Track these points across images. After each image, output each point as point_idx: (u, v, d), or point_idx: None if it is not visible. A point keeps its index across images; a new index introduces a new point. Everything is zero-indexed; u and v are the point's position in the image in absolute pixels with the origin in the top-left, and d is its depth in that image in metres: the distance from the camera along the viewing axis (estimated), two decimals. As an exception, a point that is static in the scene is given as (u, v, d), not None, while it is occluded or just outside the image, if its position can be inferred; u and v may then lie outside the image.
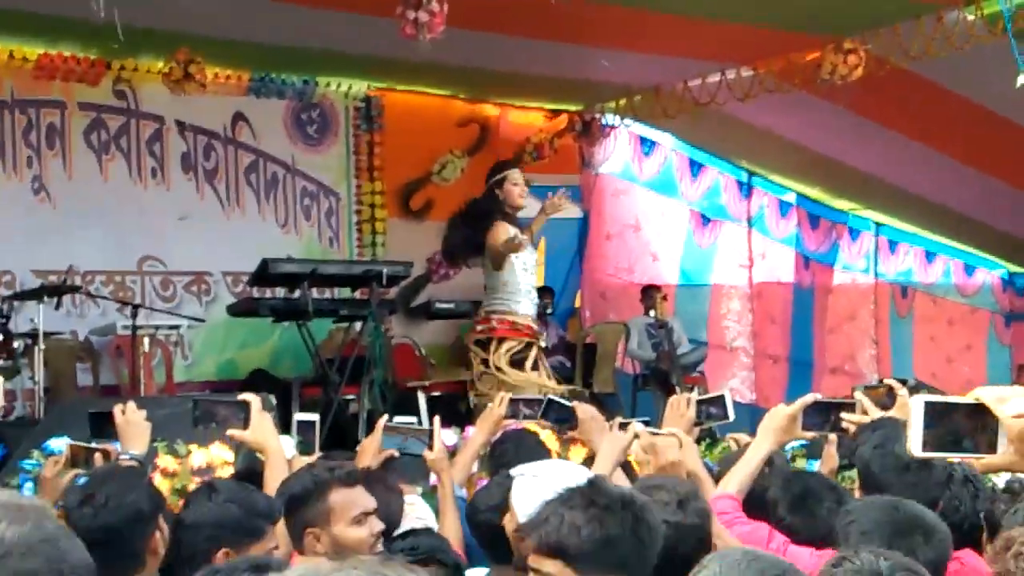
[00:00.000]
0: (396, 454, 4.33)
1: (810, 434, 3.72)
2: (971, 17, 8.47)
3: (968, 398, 1.62)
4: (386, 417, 4.52)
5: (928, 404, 1.62)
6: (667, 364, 10.70)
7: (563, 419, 4.74)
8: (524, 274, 8.56)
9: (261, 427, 3.80)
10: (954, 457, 1.62)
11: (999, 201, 12.11)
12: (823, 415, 3.66)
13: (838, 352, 14.15)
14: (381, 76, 11.03)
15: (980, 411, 1.58)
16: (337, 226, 11.24)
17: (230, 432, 3.85)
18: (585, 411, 4.51)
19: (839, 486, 3.64)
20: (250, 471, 4.00)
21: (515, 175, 8.12)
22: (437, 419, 4.43)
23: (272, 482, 3.55)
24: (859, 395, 3.83)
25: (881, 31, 9.14)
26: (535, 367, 8.45)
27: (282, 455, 3.79)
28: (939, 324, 14.67)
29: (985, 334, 15.00)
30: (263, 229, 10.78)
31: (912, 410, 1.62)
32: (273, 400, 6.60)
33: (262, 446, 3.76)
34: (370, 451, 4.17)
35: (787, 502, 3.43)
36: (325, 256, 10.79)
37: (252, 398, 3.87)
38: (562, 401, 4.93)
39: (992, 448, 1.59)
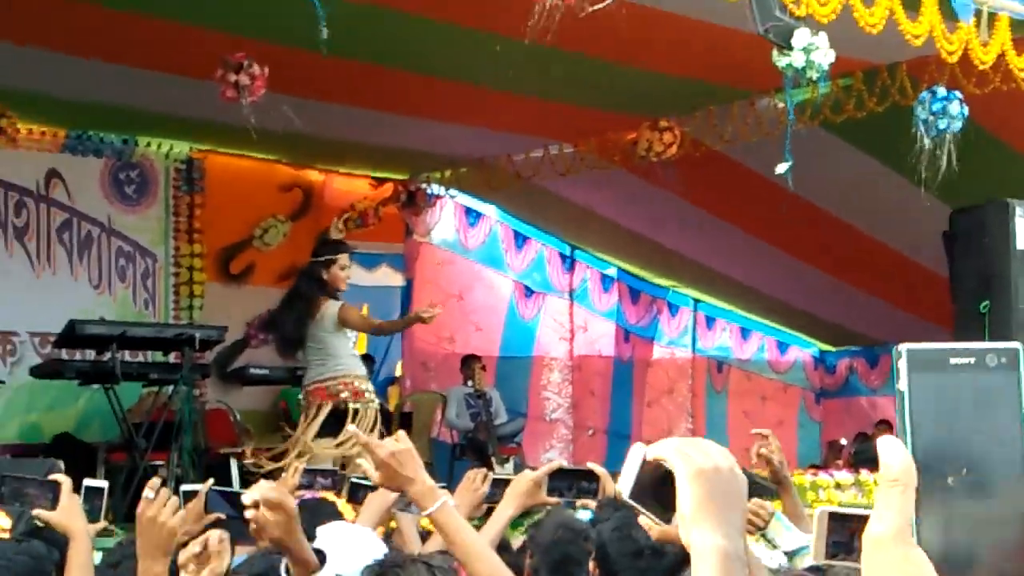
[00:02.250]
0: (223, 516, 4.22)
1: (553, 499, 3.79)
2: (781, 104, 8.77)
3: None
4: (211, 481, 4.40)
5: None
6: (484, 434, 10.73)
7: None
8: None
9: (69, 509, 3.68)
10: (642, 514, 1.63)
11: (808, 284, 12.53)
12: (567, 481, 3.76)
13: (655, 425, 14.35)
14: (203, 138, 10.91)
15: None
16: (153, 288, 11.02)
17: (36, 512, 3.72)
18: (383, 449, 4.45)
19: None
20: (34, 536, 3.86)
21: (344, 259, 8.01)
22: (209, 482, 4.34)
23: (75, 566, 3.45)
24: (597, 467, 3.95)
25: (697, 114, 9.43)
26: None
27: (87, 539, 3.67)
28: (753, 399, 15.02)
29: (796, 410, 15.42)
30: (75, 289, 10.51)
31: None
32: (61, 465, 6.41)
33: (68, 529, 3.64)
34: (192, 515, 4.02)
35: (547, 568, 3.48)
36: (140, 318, 10.55)
37: (63, 479, 3.75)
38: (363, 482, 4.87)
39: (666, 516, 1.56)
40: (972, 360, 1.43)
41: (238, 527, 4.12)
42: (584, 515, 4.32)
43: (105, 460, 8.98)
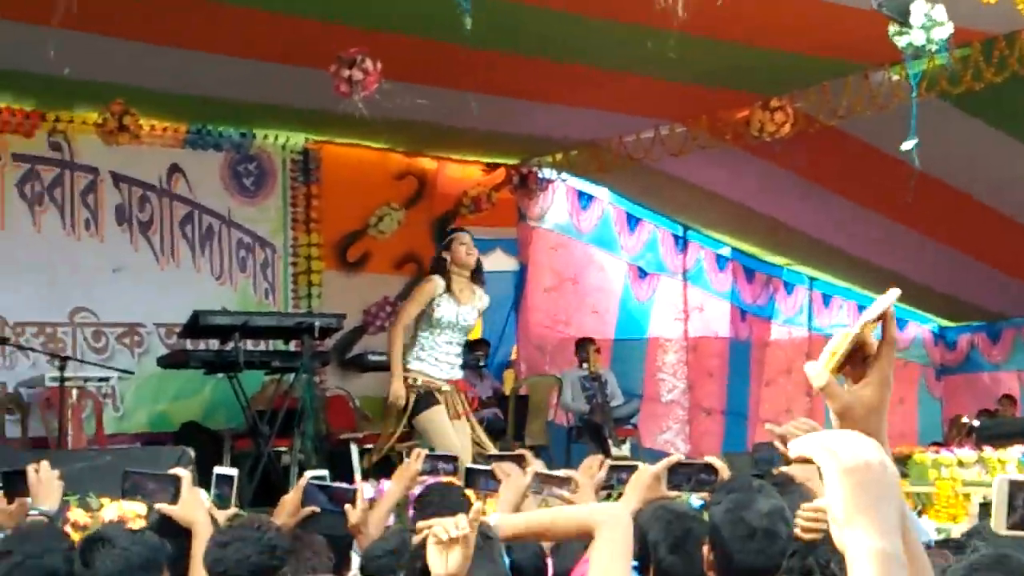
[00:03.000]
0: (317, 510, 4.30)
1: (674, 493, 3.83)
2: (896, 77, 8.65)
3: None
4: (308, 474, 4.49)
5: (1012, 482, 1.60)
6: (600, 417, 10.74)
7: (488, 485, 4.76)
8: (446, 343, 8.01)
9: (190, 503, 3.77)
10: None
11: (927, 258, 12.30)
12: (688, 474, 3.78)
13: (774, 405, 14.22)
14: (319, 129, 11.08)
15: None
16: (273, 278, 11.22)
17: (158, 506, 3.83)
18: (502, 468, 4.54)
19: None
20: (162, 526, 3.96)
21: (463, 236, 8.15)
22: (359, 481, 4.45)
23: (199, 556, 3.54)
24: (715, 461, 3.97)
25: (809, 90, 9.32)
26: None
27: (209, 531, 3.76)
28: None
29: (916, 387, 15.17)
30: (198, 281, 10.75)
31: (995, 488, 1.59)
32: (192, 453, 6.58)
33: (190, 521, 3.73)
34: (288, 508, 4.12)
35: (667, 544, 3.50)
36: (260, 308, 10.77)
37: (183, 473, 3.84)
38: (479, 467, 4.95)
39: None
40: None
41: (334, 520, 4.22)
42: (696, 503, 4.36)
43: (231, 447, 9.18)
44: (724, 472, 3.94)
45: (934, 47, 6.91)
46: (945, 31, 6.71)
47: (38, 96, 9.67)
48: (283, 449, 9.02)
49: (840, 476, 1.42)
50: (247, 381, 8.97)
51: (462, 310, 7.82)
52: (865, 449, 1.44)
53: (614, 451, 10.65)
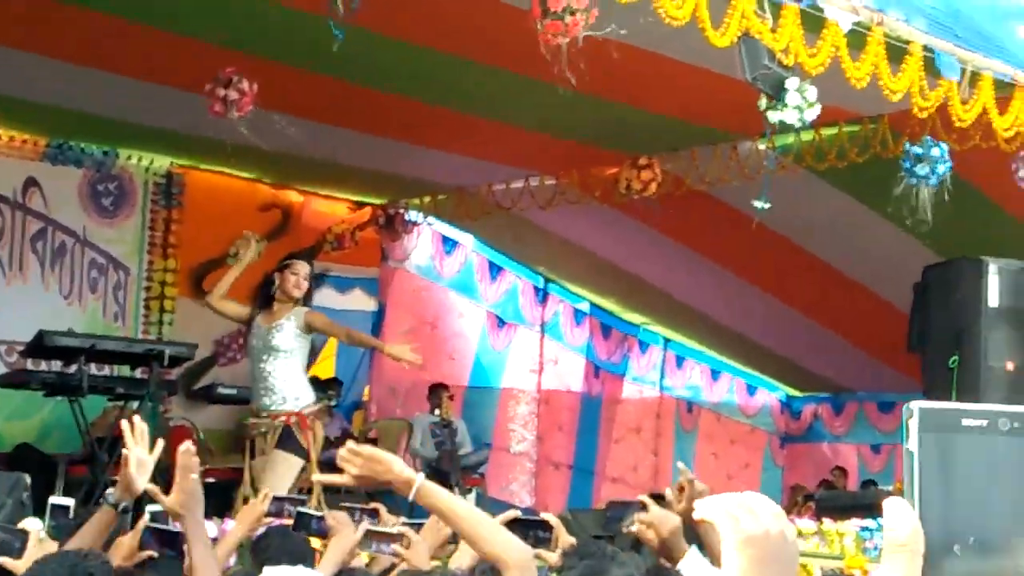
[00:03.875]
0: (154, 555, 4.15)
1: None
2: (763, 147, 8.83)
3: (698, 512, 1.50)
4: (147, 518, 4.34)
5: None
6: (448, 464, 10.66)
7: (319, 529, 4.66)
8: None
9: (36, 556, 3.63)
10: None
11: (783, 326, 12.57)
12: (524, 530, 3.79)
13: (621, 462, 14.36)
14: (185, 153, 10.89)
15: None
16: (124, 301, 10.95)
17: (1, 560, 3.68)
18: (335, 518, 4.46)
19: None
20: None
21: (299, 266, 7.90)
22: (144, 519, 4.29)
23: None
24: (551, 518, 3.97)
25: (679, 153, 9.47)
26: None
27: None
28: (722, 442, 15.06)
29: (762, 454, 15.46)
30: (45, 299, 10.43)
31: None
32: (28, 480, 6.33)
33: None
34: (124, 551, 3.96)
35: None
36: (109, 331, 10.47)
37: (31, 528, 3.70)
38: (311, 512, 4.84)
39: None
40: (985, 423, 1.42)
41: (171, 566, 4.08)
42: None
43: (65, 473, 8.88)
44: (560, 530, 3.93)
45: (802, 125, 7.08)
46: (815, 112, 6.88)
47: None
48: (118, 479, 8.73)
49: (739, 546, 1.39)
50: (88, 406, 8.70)
51: (263, 332, 7.64)
52: (767, 519, 1.40)
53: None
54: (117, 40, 7.94)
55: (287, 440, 7.54)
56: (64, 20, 7.63)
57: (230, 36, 7.87)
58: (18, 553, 3.66)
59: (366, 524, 4.43)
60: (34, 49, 8.07)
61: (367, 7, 5.64)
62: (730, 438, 15.20)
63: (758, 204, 7.28)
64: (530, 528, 3.88)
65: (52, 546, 3.73)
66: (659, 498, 4.40)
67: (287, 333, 7.67)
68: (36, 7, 7.48)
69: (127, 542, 3.94)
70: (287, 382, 7.64)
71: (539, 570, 4.06)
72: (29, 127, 10.05)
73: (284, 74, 8.03)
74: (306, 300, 7.91)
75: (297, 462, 7.51)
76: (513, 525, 3.74)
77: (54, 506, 4.15)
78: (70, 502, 4.20)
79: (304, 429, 7.62)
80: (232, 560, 5.00)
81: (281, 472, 7.43)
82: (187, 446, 3.64)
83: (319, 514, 4.66)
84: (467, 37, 7.62)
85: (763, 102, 7.19)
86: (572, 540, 3.76)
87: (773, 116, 7.15)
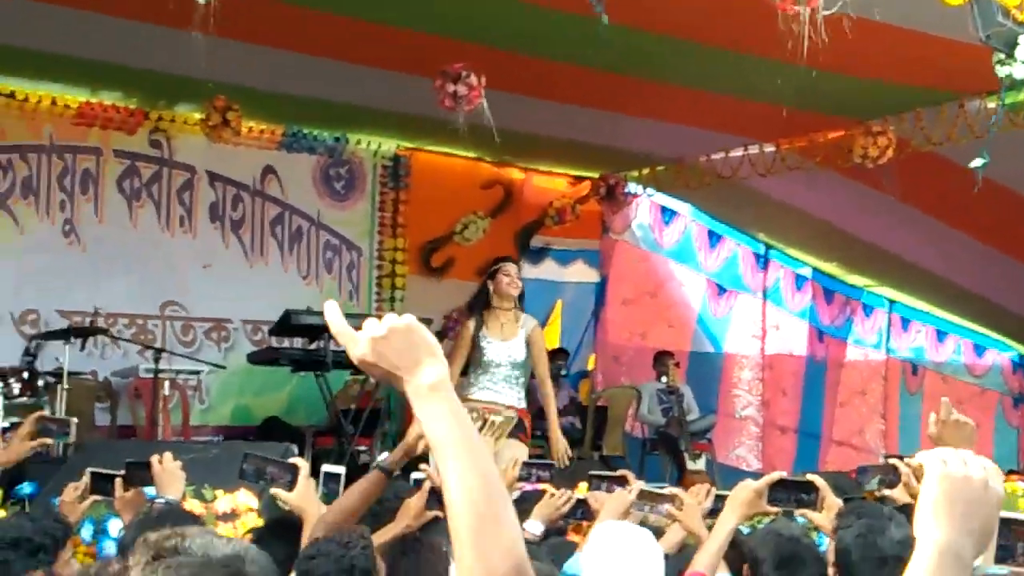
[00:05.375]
0: (440, 515, 4.35)
1: (774, 509, 3.87)
2: (992, 105, 8.61)
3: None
4: (425, 479, 4.51)
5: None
6: (676, 430, 10.79)
7: (584, 515, 4.77)
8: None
9: (306, 493, 3.89)
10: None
11: (1014, 281, 12.19)
12: (788, 492, 3.82)
13: (847, 426, 14.20)
14: (410, 135, 11.26)
15: None
16: (357, 280, 11.41)
17: (275, 491, 3.94)
18: (596, 499, 4.58)
19: (824, 557, 3.75)
20: (277, 520, 4.08)
21: (508, 267, 7.85)
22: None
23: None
24: (817, 479, 3.98)
25: (904, 116, 9.30)
26: None
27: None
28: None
29: (993, 415, 15.03)
30: (285, 280, 10.96)
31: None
32: (296, 449, 6.70)
33: (304, 511, 3.84)
34: (412, 511, 4.14)
35: (774, 562, 3.54)
36: (344, 309, 10.79)
37: (301, 464, 3.95)
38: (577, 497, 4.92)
39: None
40: None
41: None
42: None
43: (312, 444, 9.31)
44: (826, 491, 3.97)
45: (1034, 80, 6.90)
46: (1049, 65, 6.69)
47: (142, 93, 9.90)
48: (363, 448, 9.13)
49: (938, 479, 1.55)
50: (331, 380, 9.10)
51: (505, 346, 7.51)
52: (975, 467, 1.56)
53: (689, 465, 10.69)
54: (345, 32, 8.25)
55: (516, 431, 7.63)
56: (297, 17, 7.98)
57: (446, 23, 8.07)
58: (289, 486, 3.89)
59: (640, 484, 4.50)
60: (269, 43, 8.46)
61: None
62: (957, 399, 14.74)
63: (975, 163, 7.11)
64: (795, 489, 3.94)
65: (314, 487, 3.97)
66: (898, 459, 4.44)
67: (521, 346, 7.67)
68: (269, 6, 7.84)
69: (414, 503, 4.03)
70: (513, 389, 7.66)
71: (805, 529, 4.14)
72: (267, 116, 10.52)
73: (503, 58, 8.21)
74: (520, 298, 7.89)
75: (525, 449, 7.58)
76: (778, 486, 3.82)
77: (327, 474, 4.39)
78: (341, 470, 4.42)
79: (528, 423, 7.73)
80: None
81: (517, 454, 7.53)
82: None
83: (582, 496, 4.77)
84: (682, 16, 7.67)
85: (996, 57, 7.04)
86: (837, 501, 3.81)
87: (1003, 71, 7.00)
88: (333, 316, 1.81)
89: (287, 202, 11.05)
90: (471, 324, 7.52)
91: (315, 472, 4.33)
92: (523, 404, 7.67)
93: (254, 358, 9.58)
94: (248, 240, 10.86)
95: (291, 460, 4.03)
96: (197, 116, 9.87)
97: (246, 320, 10.70)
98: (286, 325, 9.10)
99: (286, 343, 9.73)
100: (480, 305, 7.63)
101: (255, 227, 10.90)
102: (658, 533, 4.34)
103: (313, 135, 11.02)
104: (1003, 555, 1.76)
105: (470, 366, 7.55)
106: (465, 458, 1.69)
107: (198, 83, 8.77)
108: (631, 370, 12.54)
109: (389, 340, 1.76)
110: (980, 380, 14.96)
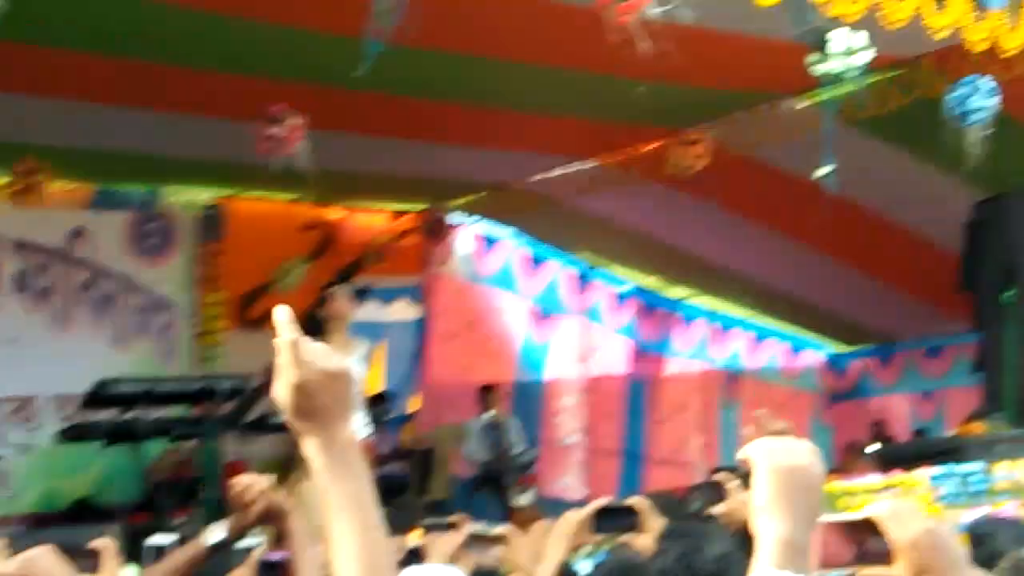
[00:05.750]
0: None
1: (598, 537, 3.85)
2: (805, 104, 8.82)
3: (857, 514, 1.79)
4: (255, 551, 4.23)
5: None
6: (500, 466, 10.66)
7: None
8: None
9: None
10: (848, 571, 1.79)
11: (825, 278, 12.53)
12: (612, 519, 3.82)
13: (669, 443, 14.31)
14: (224, 183, 10.93)
15: (870, 526, 1.75)
16: (174, 341, 10.96)
17: None
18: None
19: None
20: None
21: (338, 292, 7.75)
22: None
23: None
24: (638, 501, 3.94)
25: (718, 121, 9.44)
26: None
27: None
28: (767, 408, 14.95)
29: (808, 416, 15.39)
30: (96, 348, 10.45)
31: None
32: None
33: None
34: None
35: None
36: (160, 373, 10.44)
37: (105, 545, 3.60)
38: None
39: (885, 560, 1.72)
40: None
41: None
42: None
43: (125, 523, 8.78)
44: (646, 513, 3.95)
45: (853, 73, 7.06)
46: (864, 57, 6.87)
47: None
48: (182, 520, 8.69)
49: (768, 472, 1.61)
50: (146, 450, 8.71)
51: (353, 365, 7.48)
52: (797, 454, 1.64)
53: (516, 501, 10.54)
54: (151, 80, 7.98)
55: None
56: (98, 67, 7.70)
57: (262, 65, 7.92)
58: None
59: (469, 528, 4.42)
60: (73, 96, 8.12)
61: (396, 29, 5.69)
62: (775, 403, 15.11)
63: (821, 171, 7.28)
64: (616, 516, 3.92)
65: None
66: (731, 470, 4.42)
67: (363, 365, 7.60)
68: (69, 56, 7.46)
69: None
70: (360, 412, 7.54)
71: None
72: (77, 174, 10.05)
73: (315, 94, 8.03)
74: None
75: None
76: (601, 514, 3.80)
77: (151, 547, 3.98)
78: (167, 540, 4.01)
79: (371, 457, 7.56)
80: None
81: None
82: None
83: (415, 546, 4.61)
84: (491, 36, 7.69)
85: (811, 56, 7.19)
86: (661, 522, 3.79)
87: (820, 68, 7.16)
88: (285, 321, 1.73)
89: (98, 264, 10.55)
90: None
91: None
92: (367, 432, 7.54)
93: (64, 436, 9.08)
94: (55, 309, 10.32)
95: (95, 544, 3.65)
96: (2, 180, 9.35)
97: (53, 394, 10.13)
98: (98, 397, 8.70)
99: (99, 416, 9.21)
100: (318, 330, 7.43)
101: (63, 294, 10.37)
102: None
103: (124, 191, 10.59)
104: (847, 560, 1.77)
105: None
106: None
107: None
108: (457, 407, 12.33)
109: (336, 379, 1.72)
110: (795, 382, 15.34)
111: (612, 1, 5.71)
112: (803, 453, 1.63)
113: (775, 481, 1.59)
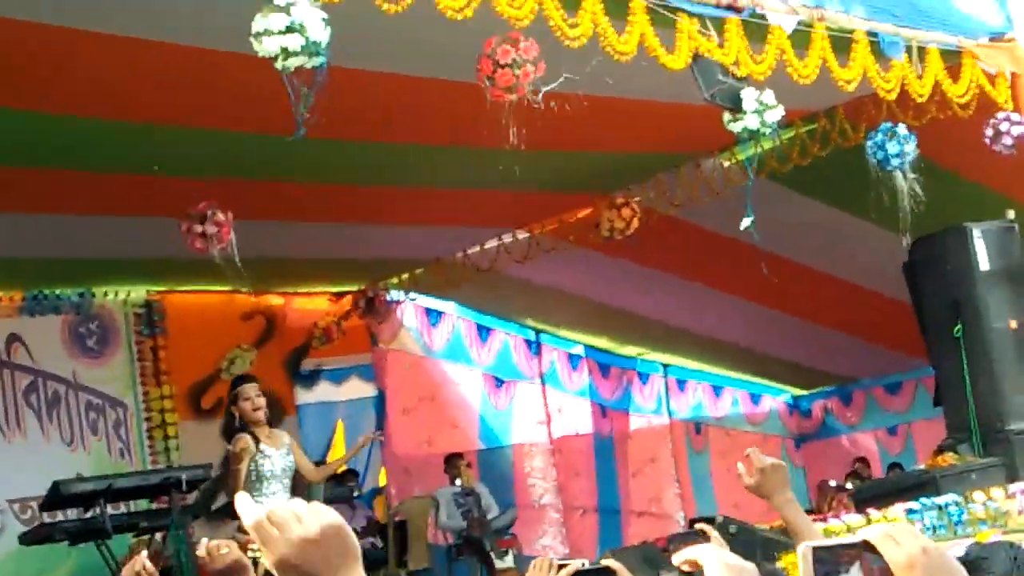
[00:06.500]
0: None
1: None
2: (727, 163, 8.93)
3: (854, 538, 1.69)
4: None
5: (815, 549, 1.68)
6: (479, 531, 10.64)
7: None
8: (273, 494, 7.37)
9: None
10: None
11: (776, 330, 12.61)
12: None
13: (643, 495, 14.33)
14: (158, 279, 10.94)
15: (868, 548, 1.65)
16: (127, 437, 10.92)
17: None
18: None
19: None
20: None
21: (246, 390, 7.58)
22: None
23: None
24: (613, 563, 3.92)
25: (646, 183, 9.54)
26: None
27: None
28: (735, 455, 14.77)
29: (778, 459, 15.41)
30: (48, 451, 10.38)
31: (800, 559, 1.69)
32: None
33: None
34: None
35: None
36: (117, 469, 10.40)
37: None
38: None
39: None
40: None
41: None
42: None
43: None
44: (622, 572, 3.91)
45: (767, 130, 7.16)
46: (777, 113, 6.97)
47: None
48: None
49: (905, 566, 1.56)
50: (113, 546, 8.64)
51: (280, 457, 7.33)
52: (921, 536, 1.59)
53: (497, 563, 10.56)
54: (75, 185, 8.01)
55: None
56: (19, 176, 7.69)
57: (187, 165, 7.94)
58: None
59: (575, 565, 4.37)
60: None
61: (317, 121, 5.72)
62: (743, 449, 15.07)
63: (745, 222, 7.34)
64: (597, 574, 3.86)
65: None
66: (709, 521, 4.41)
67: (291, 455, 7.49)
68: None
69: None
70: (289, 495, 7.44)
71: None
72: (5, 283, 10.09)
73: (246, 187, 8.08)
74: (274, 414, 7.61)
75: None
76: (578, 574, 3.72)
77: None
78: None
79: None
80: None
81: None
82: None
83: None
84: (414, 124, 7.75)
85: (727, 116, 7.30)
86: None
87: (735, 126, 7.26)
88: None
89: (38, 368, 10.50)
90: (249, 439, 7.21)
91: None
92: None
93: (26, 539, 9.00)
94: (3, 415, 10.24)
95: None
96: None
97: (12, 500, 10.07)
98: (57, 497, 8.62)
99: (59, 516, 9.18)
100: (234, 430, 7.35)
101: (8, 399, 10.31)
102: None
103: (56, 294, 10.56)
104: None
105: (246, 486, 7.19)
106: None
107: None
108: (423, 479, 12.34)
109: (319, 542, 1.57)
110: (760, 427, 15.37)
111: (490, 72, 5.72)
112: (921, 536, 1.61)
113: (917, 567, 1.57)
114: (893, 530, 1.63)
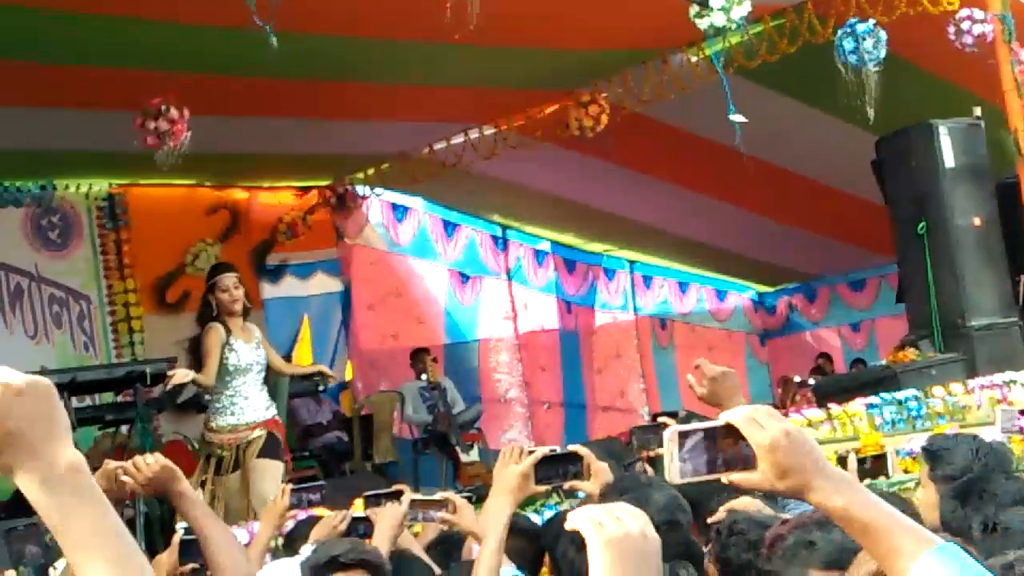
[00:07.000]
0: (197, 567, 4.10)
1: (542, 488, 3.80)
2: (694, 59, 8.85)
3: (718, 421, 1.70)
4: (181, 530, 4.29)
5: (681, 433, 1.70)
6: (445, 425, 10.72)
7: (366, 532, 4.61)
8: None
9: None
10: (711, 478, 1.70)
11: (741, 228, 12.63)
12: (555, 467, 3.77)
13: (608, 391, 14.46)
14: (121, 172, 10.80)
15: (731, 432, 1.67)
16: (92, 330, 10.88)
17: None
18: (374, 513, 4.42)
19: None
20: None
21: (224, 280, 7.49)
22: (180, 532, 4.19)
23: None
24: (580, 448, 3.94)
25: (613, 79, 9.47)
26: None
27: None
28: (699, 351, 15.08)
29: (743, 354, 15.56)
30: (12, 343, 10.31)
31: (666, 441, 1.69)
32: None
33: None
34: (166, 568, 3.90)
35: (576, 544, 3.48)
36: (81, 363, 10.38)
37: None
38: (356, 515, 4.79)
39: (749, 465, 1.67)
40: None
41: None
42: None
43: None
44: (590, 458, 3.92)
45: (733, 25, 7.11)
46: (744, 9, 6.91)
47: None
48: (127, 503, 8.67)
49: (601, 548, 1.54)
50: (79, 439, 8.64)
51: (250, 351, 7.26)
52: (628, 520, 1.57)
53: (463, 457, 10.65)
54: (37, 77, 7.88)
55: (272, 447, 7.35)
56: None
57: (150, 59, 7.83)
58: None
59: (410, 494, 4.42)
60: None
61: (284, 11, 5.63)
62: (707, 346, 15.26)
63: (737, 118, 7.32)
64: (559, 464, 3.88)
65: None
66: (672, 415, 4.46)
67: (262, 348, 7.47)
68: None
69: (165, 559, 3.82)
70: (262, 393, 7.45)
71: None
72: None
73: (209, 81, 7.97)
74: (250, 303, 7.58)
75: (282, 466, 7.35)
76: (543, 464, 3.73)
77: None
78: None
79: (282, 434, 7.48)
80: (268, 558, 5.00)
81: (275, 475, 7.28)
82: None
83: (361, 515, 4.61)
84: (379, 18, 7.67)
85: (692, 10, 7.24)
86: (603, 466, 3.74)
87: (703, 22, 7.20)
88: None
89: (1, 261, 10.42)
90: (220, 328, 7.19)
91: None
92: (273, 412, 7.40)
93: (-9, 430, 8.98)
94: (-37, 308, 10.21)
95: None
96: None
97: (-21, 391, 10.02)
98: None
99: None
100: (209, 318, 7.30)
101: (-30, 293, 10.25)
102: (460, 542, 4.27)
103: (16, 186, 10.42)
104: (709, 468, 1.72)
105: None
106: (123, 553, 1.38)
107: None
108: (389, 373, 12.41)
109: (25, 400, 1.36)
110: (725, 324, 15.47)
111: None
112: (633, 521, 1.57)
113: (609, 553, 1.53)
114: (756, 413, 1.64)
